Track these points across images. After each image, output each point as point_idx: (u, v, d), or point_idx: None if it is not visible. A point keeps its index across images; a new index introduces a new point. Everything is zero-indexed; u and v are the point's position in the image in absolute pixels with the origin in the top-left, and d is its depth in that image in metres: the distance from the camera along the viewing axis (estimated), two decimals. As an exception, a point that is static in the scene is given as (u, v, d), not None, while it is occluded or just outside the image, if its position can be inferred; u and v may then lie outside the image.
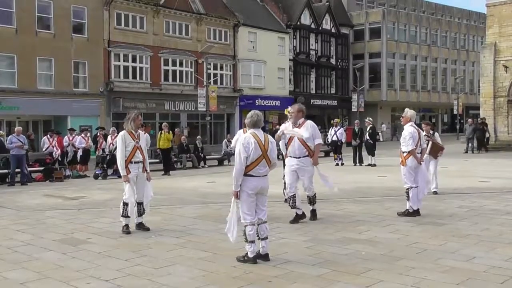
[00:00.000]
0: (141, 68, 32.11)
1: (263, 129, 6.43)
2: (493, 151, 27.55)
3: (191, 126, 35.33)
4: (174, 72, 33.97)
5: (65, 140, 18.81)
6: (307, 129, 8.38)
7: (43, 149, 18.58)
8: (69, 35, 28.40)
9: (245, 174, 6.04)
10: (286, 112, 8.92)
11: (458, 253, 6.39)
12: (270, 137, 6.37)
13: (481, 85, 31.98)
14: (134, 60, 31.65)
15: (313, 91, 45.27)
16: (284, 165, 8.92)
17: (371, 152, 19.81)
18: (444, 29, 55.64)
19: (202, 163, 22.27)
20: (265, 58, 39.39)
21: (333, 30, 46.89)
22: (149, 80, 32.49)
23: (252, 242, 6.05)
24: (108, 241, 7.44)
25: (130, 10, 31.35)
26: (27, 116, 27.21)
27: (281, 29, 41.64)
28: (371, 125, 20.27)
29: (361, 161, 20.15)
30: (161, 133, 19.84)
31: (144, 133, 8.82)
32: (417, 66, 52.67)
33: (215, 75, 35.86)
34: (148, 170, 8.26)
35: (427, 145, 10.41)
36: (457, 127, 47.75)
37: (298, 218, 8.48)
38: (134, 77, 31.67)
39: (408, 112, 9.23)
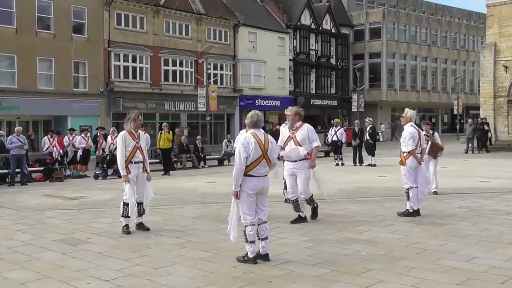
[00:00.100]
0: (141, 68, 32.11)
1: (263, 129, 6.43)
2: (493, 151, 27.54)
3: (191, 126, 35.32)
4: (174, 72, 33.97)
5: (65, 140, 18.82)
6: (303, 133, 8.35)
7: (44, 149, 18.58)
8: (69, 35, 28.40)
9: (245, 174, 6.04)
10: (286, 112, 8.89)
11: (458, 253, 6.39)
12: (270, 137, 6.37)
13: (481, 85, 31.98)
14: (134, 60, 31.65)
15: (313, 91, 45.27)
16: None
17: (371, 152, 19.80)
18: (444, 29, 55.64)
19: (202, 163, 22.28)
20: (265, 58, 39.39)
21: (333, 30, 46.88)
22: (149, 80, 32.49)
23: (252, 242, 6.05)
24: (108, 241, 7.44)
25: (130, 10, 31.35)
26: (27, 116, 27.21)
27: (281, 29, 41.64)
28: (371, 125, 20.27)
29: (361, 161, 20.15)
30: (161, 133, 19.84)
31: (144, 133, 8.83)
32: (417, 66, 52.67)
33: (215, 75, 35.86)
34: (148, 170, 8.27)
35: (427, 145, 10.41)
36: (457, 127, 47.76)
37: (300, 220, 8.48)
38: (134, 77, 31.67)
39: (408, 112, 9.23)
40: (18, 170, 15.99)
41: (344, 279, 5.43)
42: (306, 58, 44.55)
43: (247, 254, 6.09)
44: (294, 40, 43.39)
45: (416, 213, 8.90)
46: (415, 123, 9.24)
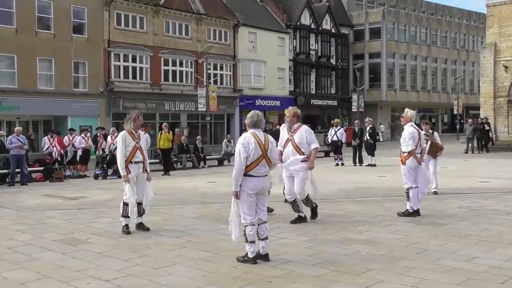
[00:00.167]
0: (141, 68, 32.12)
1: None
2: (493, 151, 27.53)
3: (191, 126, 35.32)
4: (174, 72, 33.97)
5: (65, 140, 18.83)
6: (301, 135, 8.33)
7: (44, 149, 18.59)
8: (69, 35, 28.40)
9: (245, 174, 6.03)
10: (286, 112, 8.87)
11: (458, 253, 6.39)
12: (270, 137, 6.36)
13: (481, 85, 31.98)
14: (134, 60, 31.65)
15: (313, 91, 45.27)
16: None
17: (371, 152, 19.80)
18: (444, 29, 55.65)
19: (202, 163, 22.28)
20: (265, 58, 39.39)
21: (333, 30, 46.89)
22: (149, 80, 32.49)
23: (252, 242, 6.05)
24: (108, 241, 7.44)
25: (130, 10, 31.35)
26: (27, 116, 27.22)
27: (281, 29, 41.64)
28: (371, 125, 20.27)
29: (361, 161, 20.15)
30: (161, 133, 19.84)
31: (144, 133, 8.83)
32: (417, 66, 52.67)
33: (215, 75, 35.86)
34: (148, 170, 8.27)
35: (427, 144, 10.41)
36: (457, 127, 47.77)
37: (300, 220, 8.47)
38: (134, 77, 31.68)
39: (408, 112, 9.23)
40: (18, 170, 15.99)
41: (344, 279, 5.43)
42: (306, 58, 44.56)
43: (247, 254, 6.09)
44: (294, 40, 43.39)
45: (416, 213, 8.90)
46: (415, 123, 9.24)
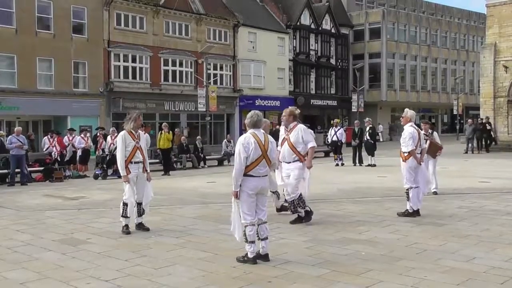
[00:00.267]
0: (141, 68, 32.11)
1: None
2: (493, 151, 27.53)
3: (191, 126, 35.31)
4: (174, 72, 33.97)
5: (65, 140, 18.83)
6: (297, 134, 8.31)
7: (44, 150, 18.59)
8: (69, 35, 28.39)
9: (245, 174, 6.03)
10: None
11: (458, 253, 6.39)
12: (270, 137, 6.37)
13: (481, 85, 31.97)
14: (134, 60, 31.65)
15: (313, 91, 45.27)
16: None
17: (371, 152, 19.80)
18: (444, 29, 55.65)
19: (202, 163, 22.27)
20: (265, 58, 39.39)
21: (333, 30, 46.88)
22: (149, 80, 32.49)
23: (252, 242, 6.05)
24: (108, 241, 7.44)
25: (130, 10, 31.35)
26: (27, 116, 27.21)
27: (281, 29, 41.64)
28: (370, 125, 20.27)
29: (361, 162, 20.15)
30: (161, 133, 19.84)
31: (144, 133, 8.83)
32: (417, 66, 52.67)
33: (215, 75, 35.86)
34: (148, 170, 8.27)
35: (426, 144, 10.41)
36: (457, 127, 47.76)
37: (300, 220, 8.46)
38: (134, 77, 31.67)
39: (408, 112, 9.23)
40: (18, 170, 15.99)
41: (344, 279, 5.43)
42: (306, 58, 44.56)
43: (247, 254, 6.09)
44: (294, 40, 43.39)
45: (416, 213, 8.90)
46: (414, 123, 9.24)
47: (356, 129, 20.78)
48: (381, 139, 41.75)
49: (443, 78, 55.88)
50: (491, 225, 8.09)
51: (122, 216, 8.00)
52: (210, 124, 31.75)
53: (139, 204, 8.05)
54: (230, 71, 37.49)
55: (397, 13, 52.53)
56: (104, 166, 17.67)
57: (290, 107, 8.81)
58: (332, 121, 24.39)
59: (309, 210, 8.45)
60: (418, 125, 9.91)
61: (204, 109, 28.62)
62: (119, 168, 8.04)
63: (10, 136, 16.74)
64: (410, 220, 8.60)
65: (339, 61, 48.03)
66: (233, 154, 7.06)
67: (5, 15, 26.25)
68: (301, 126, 8.43)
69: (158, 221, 8.79)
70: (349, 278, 5.45)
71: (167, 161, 19.19)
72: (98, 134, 20.29)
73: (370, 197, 11.50)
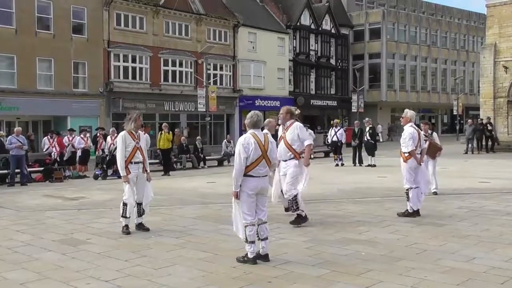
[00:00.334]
0: (141, 69, 32.12)
1: (263, 129, 6.42)
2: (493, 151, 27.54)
3: (191, 127, 35.32)
4: (174, 72, 33.98)
5: (65, 140, 18.83)
6: (293, 132, 8.29)
7: (44, 150, 18.58)
8: (69, 36, 28.40)
9: (245, 175, 6.03)
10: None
11: (458, 253, 6.39)
12: (270, 137, 6.37)
13: (481, 86, 31.95)
14: (134, 61, 31.65)
15: (313, 92, 45.28)
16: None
17: (371, 153, 19.80)
18: (444, 29, 55.67)
19: (202, 164, 22.27)
20: (265, 59, 39.40)
21: (333, 31, 46.90)
22: (149, 80, 32.49)
23: (252, 242, 6.05)
24: (108, 242, 7.44)
25: (130, 10, 31.36)
26: (26, 117, 27.22)
27: (281, 30, 41.66)
28: (370, 125, 20.27)
29: (360, 162, 20.15)
30: (161, 133, 19.84)
31: (144, 134, 8.83)
32: (417, 66, 52.69)
33: (215, 75, 35.86)
34: (148, 171, 8.27)
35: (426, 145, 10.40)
36: (457, 127, 47.76)
37: (300, 219, 8.45)
38: (134, 77, 31.68)
39: (408, 112, 9.23)
40: (18, 170, 15.99)
41: (344, 279, 5.43)
42: (306, 59, 44.56)
43: (247, 254, 6.09)
44: (294, 41, 43.40)
45: (416, 213, 8.90)
46: (414, 124, 9.24)
47: (356, 130, 20.78)
48: (381, 139, 41.75)
49: (443, 79, 55.89)
50: (491, 225, 8.09)
51: (122, 216, 8.00)
52: (210, 124, 31.76)
53: (139, 204, 8.05)
54: (230, 71, 37.50)
55: (397, 14, 52.55)
56: (104, 166, 17.67)
57: (287, 106, 8.82)
58: (332, 122, 24.38)
59: (304, 215, 8.34)
60: (418, 126, 9.91)
61: (204, 109, 28.61)
62: (119, 168, 8.04)
63: (10, 137, 16.73)
64: (410, 220, 8.60)
65: (339, 61, 48.05)
66: (233, 155, 7.06)
67: (5, 15, 26.26)
68: (297, 124, 8.41)
69: (158, 221, 8.78)
70: (349, 278, 5.45)
71: (167, 162, 19.19)
72: (98, 134, 20.29)
73: (370, 197, 11.50)
